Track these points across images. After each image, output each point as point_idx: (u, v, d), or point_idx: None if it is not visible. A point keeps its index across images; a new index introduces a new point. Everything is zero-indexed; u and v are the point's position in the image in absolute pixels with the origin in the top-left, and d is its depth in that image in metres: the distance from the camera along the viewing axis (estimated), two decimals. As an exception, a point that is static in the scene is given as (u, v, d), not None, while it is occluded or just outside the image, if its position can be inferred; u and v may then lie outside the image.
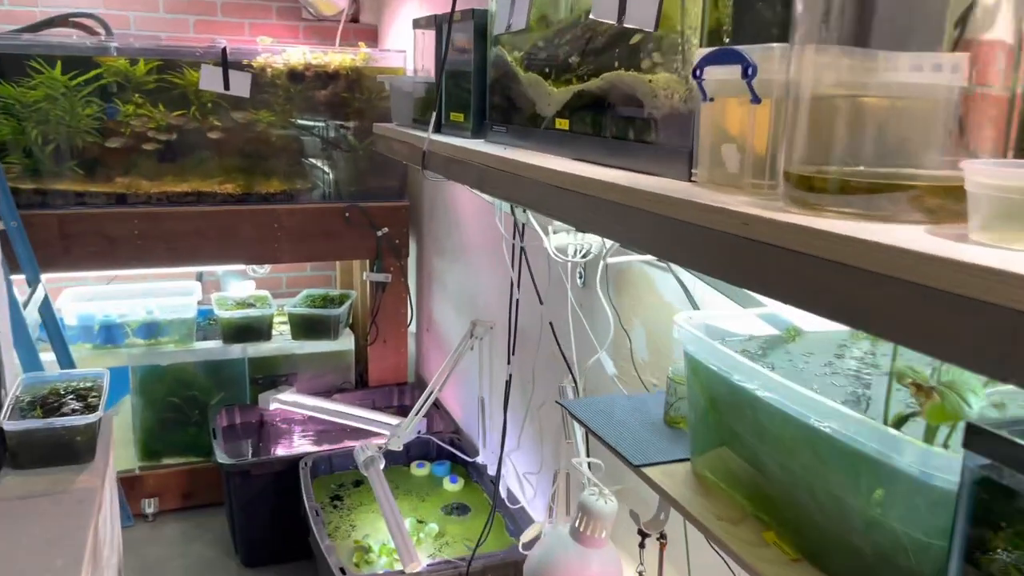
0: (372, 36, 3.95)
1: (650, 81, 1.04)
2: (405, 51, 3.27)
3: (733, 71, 0.77)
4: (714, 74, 0.81)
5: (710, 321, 1.08)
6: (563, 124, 1.27)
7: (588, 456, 1.65)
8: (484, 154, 1.35)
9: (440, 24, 1.76)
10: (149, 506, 3.21)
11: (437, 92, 1.78)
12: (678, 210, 0.78)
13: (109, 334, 3.15)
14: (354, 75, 3.24)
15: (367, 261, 3.41)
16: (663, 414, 1.28)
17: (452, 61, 1.74)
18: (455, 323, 3.13)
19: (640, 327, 1.79)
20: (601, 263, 1.80)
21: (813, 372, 0.96)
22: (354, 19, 3.96)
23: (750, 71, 0.75)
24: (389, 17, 3.76)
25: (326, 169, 3.30)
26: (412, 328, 3.56)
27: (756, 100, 0.76)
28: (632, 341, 1.80)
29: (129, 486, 3.15)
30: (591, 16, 1.15)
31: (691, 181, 0.92)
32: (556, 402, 1.89)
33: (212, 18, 3.79)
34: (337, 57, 3.22)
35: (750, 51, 0.76)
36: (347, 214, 3.24)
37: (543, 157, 1.26)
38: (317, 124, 3.30)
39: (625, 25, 1.08)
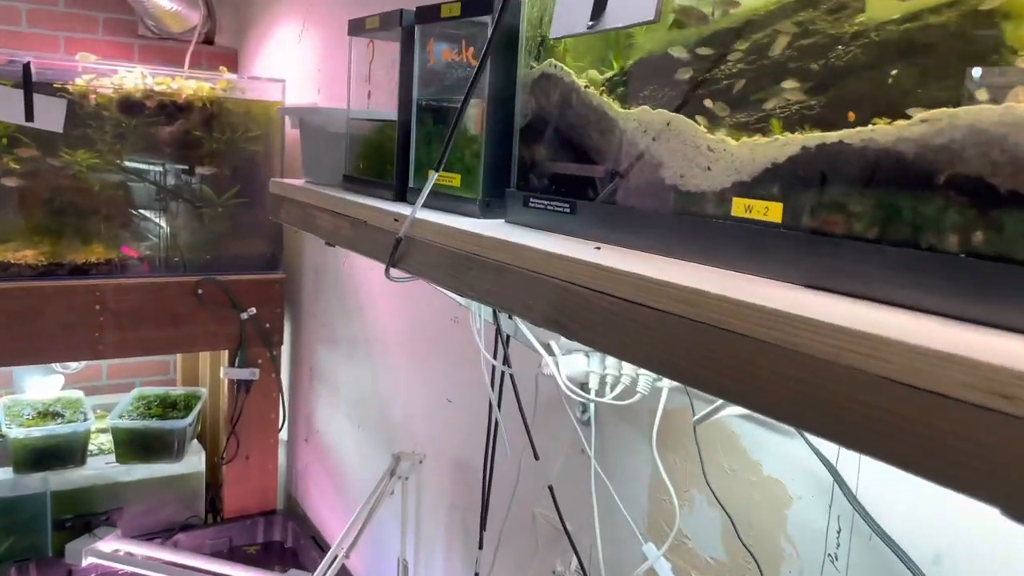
0: (230, 61, 3.14)
1: None
2: (284, 80, 2.50)
3: None
4: None
5: None
6: (764, 211, 0.61)
7: None
8: (563, 260, 0.67)
9: (411, 26, 1.06)
10: None
11: (400, 137, 1.07)
12: None
13: None
14: (213, 107, 2.43)
15: (226, 352, 2.57)
16: None
17: (432, 87, 1.04)
18: (350, 436, 2.34)
19: (707, 506, 1.13)
20: (660, 410, 1.13)
21: None
22: (207, 40, 3.13)
23: None
24: (254, 39, 2.98)
25: (170, 230, 2.45)
26: (284, 436, 2.73)
27: None
28: (693, 526, 1.14)
29: None
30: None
31: None
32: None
33: (13, 28, 2.85)
34: (190, 84, 2.40)
35: None
36: (200, 290, 2.41)
37: (719, 276, 0.60)
38: (159, 170, 2.45)
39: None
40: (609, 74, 0.81)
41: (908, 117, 0.55)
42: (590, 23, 0.74)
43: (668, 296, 0.57)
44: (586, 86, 0.80)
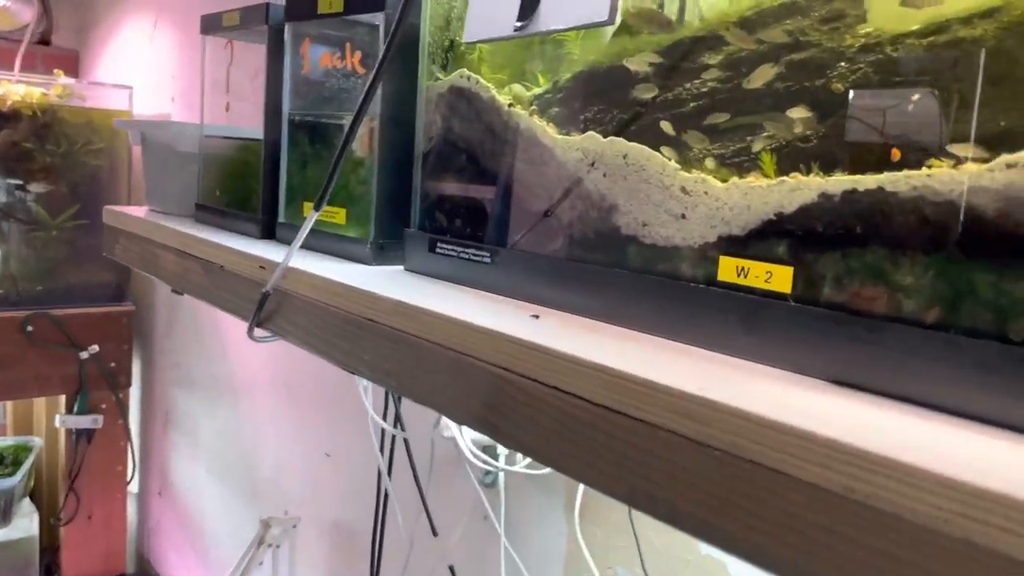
0: (70, 64, 2.78)
1: None
2: (131, 87, 2.21)
3: None
4: None
5: None
6: (766, 277, 0.45)
7: None
8: (493, 337, 0.49)
9: (280, 24, 0.86)
10: None
11: (268, 159, 0.86)
12: None
13: None
14: (45, 116, 2.11)
15: (63, 397, 2.23)
16: None
17: (307, 99, 0.85)
18: (212, 491, 2.06)
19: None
20: (580, 489, 0.97)
21: None
22: (43, 40, 2.76)
23: None
24: (98, 39, 2.64)
25: (-6, 257, 2.11)
26: (134, 488, 2.41)
27: None
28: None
29: None
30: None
31: None
32: None
33: None
34: (18, 89, 2.07)
35: None
36: (29, 327, 2.08)
37: (713, 364, 0.44)
38: (-20, 187, 2.12)
39: None
40: (538, 90, 0.64)
41: (955, 159, 0.41)
42: (518, 24, 0.57)
43: (661, 405, 0.40)
44: (510, 104, 0.63)
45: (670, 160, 0.53)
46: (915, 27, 0.52)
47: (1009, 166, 0.38)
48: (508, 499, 1.13)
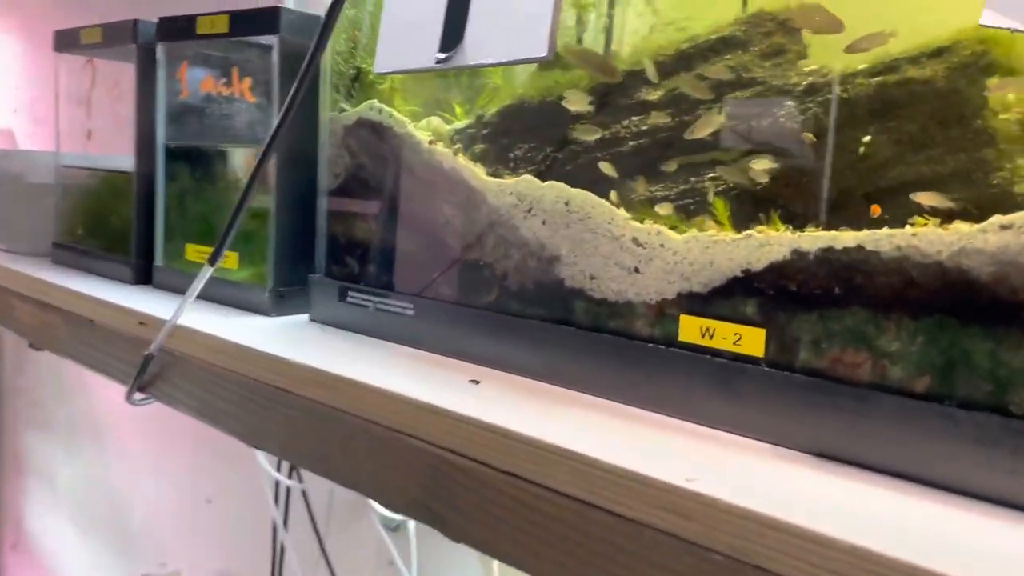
0: None
1: None
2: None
3: None
4: None
5: None
6: (735, 339, 0.42)
7: None
8: (429, 412, 0.44)
9: (151, 43, 0.76)
10: None
11: (141, 193, 0.77)
12: None
13: None
14: None
15: None
16: None
17: (186, 126, 0.76)
18: (75, 544, 1.88)
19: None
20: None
21: None
22: None
23: None
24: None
25: None
26: (-18, 543, 2.17)
27: None
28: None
29: None
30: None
31: None
32: None
33: None
34: None
35: None
36: None
37: (688, 436, 0.40)
38: None
39: None
40: (460, 124, 0.58)
41: (927, 216, 0.38)
42: (441, 56, 0.51)
43: (640, 498, 0.35)
44: (431, 141, 0.57)
45: (618, 208, 0.48)
46: (862, 66, 0.50)
47: (1003, 227, 0.35)
48: (419, 544, 1.06)
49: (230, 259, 0.70)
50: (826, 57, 0.53)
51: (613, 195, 0.49)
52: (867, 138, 0.47)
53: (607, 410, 0.45)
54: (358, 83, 0.62)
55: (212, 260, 0.55)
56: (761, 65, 0.54)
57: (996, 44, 0.47)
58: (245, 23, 0.66)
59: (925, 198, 0.44)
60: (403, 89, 0.60)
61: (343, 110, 0.63)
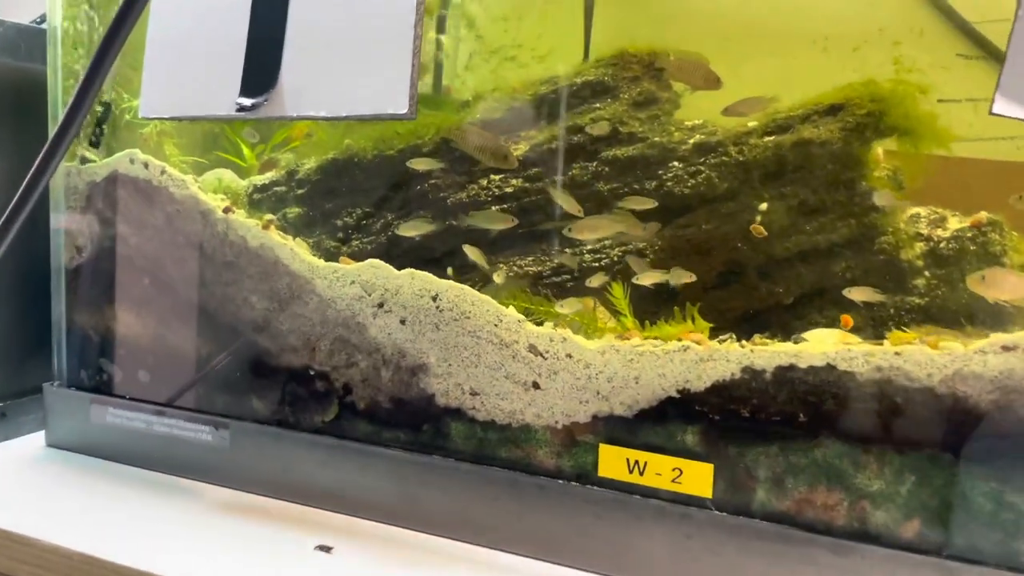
0: None
1: None
2: None
3: None
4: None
5: None
6: (673, 475, 0.34)
7: None
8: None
9: None
10: None
11: None
12: None
13: None
14: None
15: None
16: None
17: None
18: None
19: None
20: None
21: None
22: None
23: None
24: None
25: None
26: None
27: None
28: None
29: None
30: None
31: None
32: None
33: None
34: None
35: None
36: None
37: None
38: None
39: None
40: (262, 180, 0.44)
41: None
42: (247, 103, 0.37)
43: None
44: (226, 209, 0.42)
45: (508, 305, 0.38)
46: (752, 124, 0.45)
47: (1006, 348, 0.30)
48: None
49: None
50: (699, 112, 0.47)
51: (503, 283, 0.39)
52: (763, 205, 0.42)
53: (504, 570, 0.35)
54: (105, 126, 0.45)
55: None
56: (636, 117, 0.46)
57: (892, 105, 0.43)
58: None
59: (857, 294, 0.39)
60: (176, 132, 0.44)
61: (87, 161, 0.45)
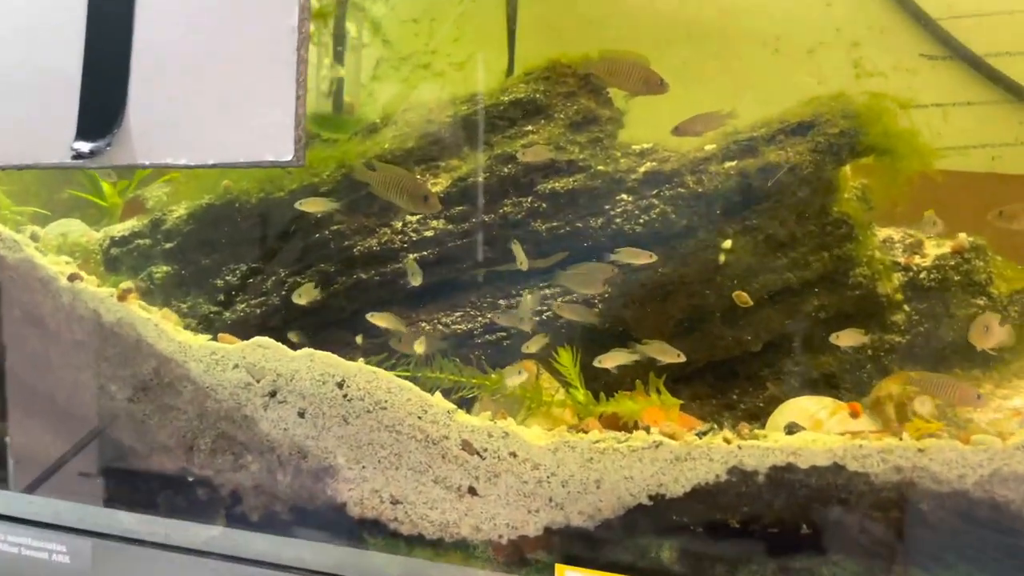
0: None
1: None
2: None
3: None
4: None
5: None
6: None
7: None
8: None
9: None
10: None
11: None
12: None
13: None
14: None
15: None
16: None
17: None
18: None
19: None
20: None
21: None
22: None
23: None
24: None
25: None
26: None
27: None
28: None
29: None
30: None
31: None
32: None
33: None
34: None
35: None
36: None
37: None
38: None
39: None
40: (119, 232, 0.36)
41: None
42: (84, 149, 0.29)
43: None
44: (72, 276, 0.33)
45: (431, 392, 0.30)
46: (710, 147, 0.39)
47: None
48: None
49: None
50: (643, 131, 0.41)
51: (419, 344, 0.31)
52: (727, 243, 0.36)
53: None
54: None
55: None
56: (575, 140, 0.39)
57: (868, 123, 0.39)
58: None
59: (845, 339, 0.34)
60: (6, 176, 0.36)
61: None
